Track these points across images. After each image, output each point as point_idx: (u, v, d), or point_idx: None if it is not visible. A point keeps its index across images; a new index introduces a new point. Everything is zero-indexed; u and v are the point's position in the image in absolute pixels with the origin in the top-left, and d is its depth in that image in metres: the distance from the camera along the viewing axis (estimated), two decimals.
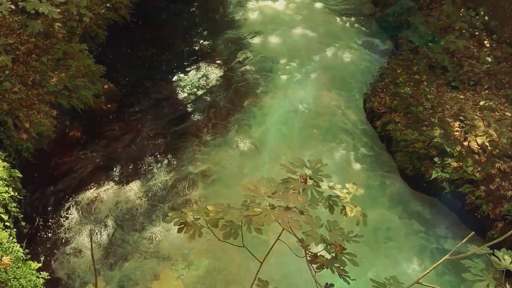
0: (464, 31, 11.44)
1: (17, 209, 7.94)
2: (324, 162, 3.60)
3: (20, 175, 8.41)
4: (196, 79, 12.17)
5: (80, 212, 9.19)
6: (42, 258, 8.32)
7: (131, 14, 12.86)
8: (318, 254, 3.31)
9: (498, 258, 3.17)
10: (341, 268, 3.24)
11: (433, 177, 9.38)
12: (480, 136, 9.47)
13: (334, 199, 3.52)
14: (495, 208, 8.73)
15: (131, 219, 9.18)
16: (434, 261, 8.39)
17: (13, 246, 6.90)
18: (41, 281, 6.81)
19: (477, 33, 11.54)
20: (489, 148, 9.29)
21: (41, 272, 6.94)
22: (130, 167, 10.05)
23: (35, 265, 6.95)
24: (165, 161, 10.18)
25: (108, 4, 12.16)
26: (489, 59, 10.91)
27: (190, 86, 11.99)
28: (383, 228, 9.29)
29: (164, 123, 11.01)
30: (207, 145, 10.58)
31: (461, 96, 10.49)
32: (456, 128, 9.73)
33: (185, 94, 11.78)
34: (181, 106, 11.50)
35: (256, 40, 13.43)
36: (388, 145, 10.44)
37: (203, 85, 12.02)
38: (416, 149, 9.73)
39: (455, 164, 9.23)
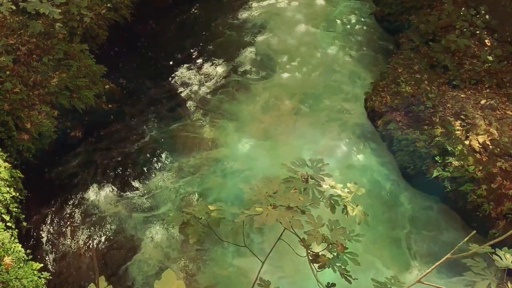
0: (465, 30, 11.42)
1: (19, 210, 7.95)
2: (325, 161, 3.60)
3: (22, 176, 8.42)
4: (197, 79, 12.17)
5: (82, 212, 9.20)
6: (43, 259, 8.32)
7: (132, 14, 12.85)
8: (320, 254, 3.31)
9: (499, 257, 3.17)
10: (343, 267, 3.24)
11: (434, 176, 9.37)
12: (481, 135, 9.46)
13: (335, 198, 3.52)
14: (496, 207, 8.72)
15: (132, 219, 9.18)
16: (435, 260, 8.38)
17: (15, 247, 6.91)
18: (43, 281, 6.82)
19: (478, 32, 11.52)
20: (490, 147, 9.28)
21: (43, 272, 6.94)
22: (132, 167, 10.06)
23: (37, 265, 6.95)
24: (167, 161, 10.18)
25: (108, 4, 12.15)
26: (490, 58, 10.89)
27: (191, 85, 11.99)
28: (383, 227, 9.28)
29: (165, 123, 11.01)
30: (208, 145, 10.58)
31: (462, 95, 10.47)
32: (457, 127, 9.71)
33: (187, 94, 11.78)
34: (183, 106, 11.50)
35: (257, 39, 13.43)
36: (389, 144, 10.42)
37: (205, 84, 12.03)
38: (417, 148, 9.72)
39: (456, 163, 9.22)
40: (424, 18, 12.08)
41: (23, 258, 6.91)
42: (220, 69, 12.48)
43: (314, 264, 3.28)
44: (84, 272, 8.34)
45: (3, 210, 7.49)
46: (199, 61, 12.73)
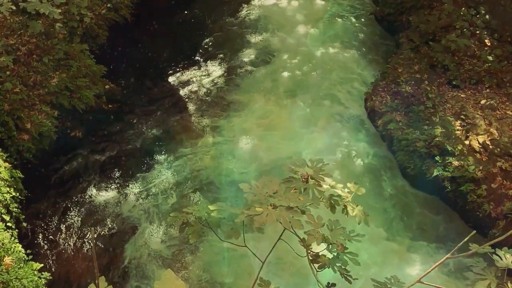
0: (465, 30, 11.42)
1: (19, 210, 7.95)
2: (325, 161, 3.60)
3: (22, 176, 8.41)
4: (197, 78, 12.17)
5: (82, 212, 9.19)
6: (43, 259, 8.32)
7: (132, 14, 12.84)
8: (320, 254, 3.31)
9: (499, 256, 3.17)
10: (343, 267, 3.24)
11: (434, 175, 9.37)
12: (482, 134, 9.46)
13: (335, 198, 3.52)
14: (496, 207, 8.73)
15: (132, 219, 9.18)
16: (435, 260, 8.38)
17: (15, 247, 6.91)
18: (43, 281, 6.81)
19: (478, 32, 11.52)
20: (490, 147, 9.28)
21: (43, 273, 6.94)
22: (132, 167, 10.06)
23: (37, 265, 6.95)
24: (166, 161, 10.18)
25: (108, 4, 12.14)
26: (490, 57, 10.89)
27: (191, 85, 11.99)
28: (384, 227, 9.28)
29: (165, 123, 11.01)
30: (207, 144, 10.59)
31: (462, 95, 10.48)
32: (458, 127, 9.72)
33: (187, 93, 11.78)
34: (183, 105, 11.51)
35: (257, 38, 13.43)
36: (389, 144, 10.43)
37: (205, 83, 12.03)
38: (417, 148, 9.72)
39: (456, 163, 9.22)
40: (424, 18, 12.08)
41: (23, 258, 6.91)
42: (221, 67, 12.49)
43: (314, 264, 3.28)
44: (84, 272, 8.34)
45: (3, 210, 7.49)
46: (199, 60, 12.73)
